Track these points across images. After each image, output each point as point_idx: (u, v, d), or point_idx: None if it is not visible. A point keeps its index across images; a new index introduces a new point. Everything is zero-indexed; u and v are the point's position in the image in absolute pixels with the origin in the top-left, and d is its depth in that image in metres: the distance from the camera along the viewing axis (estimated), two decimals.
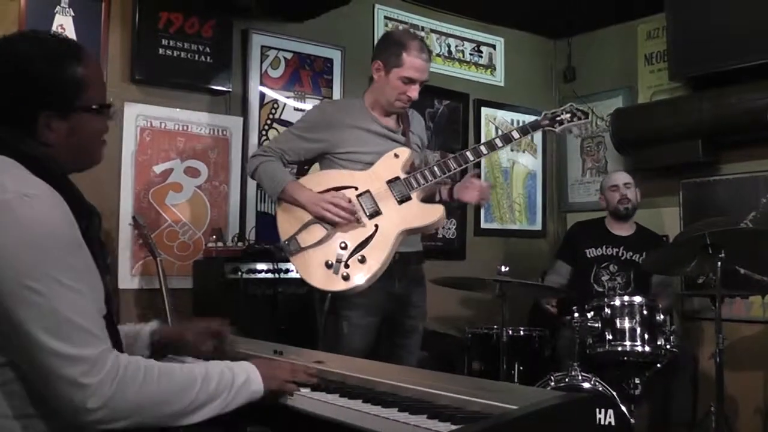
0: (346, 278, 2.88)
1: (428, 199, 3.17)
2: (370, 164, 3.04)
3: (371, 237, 2.95)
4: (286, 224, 3.00)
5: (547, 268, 5.15)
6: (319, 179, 3.06)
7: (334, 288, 2.90)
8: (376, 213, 2.96)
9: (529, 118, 5.38)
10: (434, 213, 3.02)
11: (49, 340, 1.34)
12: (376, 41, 4.52)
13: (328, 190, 2.99)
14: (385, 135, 3.12)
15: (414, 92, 3.07)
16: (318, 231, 2.96)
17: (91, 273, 1.46)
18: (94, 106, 1.58)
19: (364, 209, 2.96)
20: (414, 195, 3.00)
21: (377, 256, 2.92)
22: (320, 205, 2.92)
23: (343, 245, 2.92)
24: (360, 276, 2.89)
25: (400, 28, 4.67)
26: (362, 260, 2.90)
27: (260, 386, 1.59)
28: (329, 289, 2.92)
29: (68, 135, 1.55)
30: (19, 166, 1.47)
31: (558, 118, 3.19)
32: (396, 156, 3.06)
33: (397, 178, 3.01)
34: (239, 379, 1.56)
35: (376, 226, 2.95)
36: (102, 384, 1.34)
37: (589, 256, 4.35)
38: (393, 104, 3.11)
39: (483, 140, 5.12)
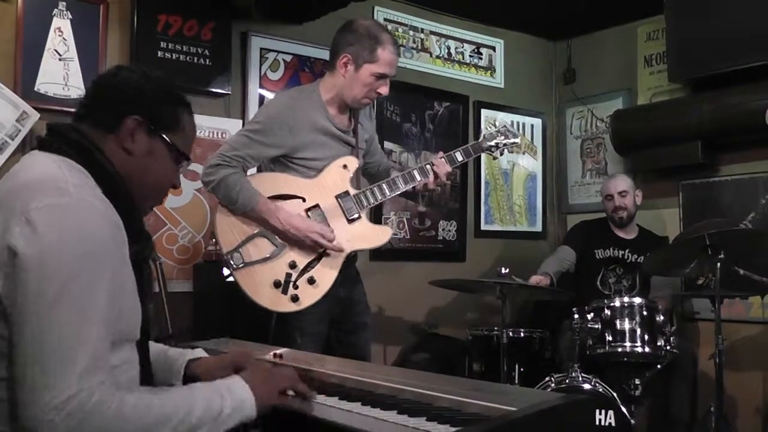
0: (294, 299, 2.83)
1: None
2: (320, 171, 2.95)
3: (320, 257, 2.89)
4: (229, 234, 2.84)
5: None
6: (266, 183, 2.91)
7: (282, 309, 2.83)
8: None
9: (529, 120, 5.43)
10: (382, 235, 3.05)
11: (42, 357, 1.30)
12: None
13: (274, 197, 2.89)
14: (339, 137, 3.00)
15: (385, 89, 2.96)
16: (265, 246, 2.86)
17: (126, 295, 1.45)
18: (177, 147, 1.64)
19: None
20: (363, 214, 2.98)
21: (326, 278, 2.88)
22: (307, 234, 2.82)
23: (291, 264, 2.86)
24: (309, 298, 2.84)
25: (405, 32, 4.62)
26: (311, 281, 2.85)
27: (253, 411, 1.53)
28: (277, 309, 2.83)
29: (146, 155, 1.60)
30: (88, 176, 1.49)
31: (494, 141, 3.27)
32: (345, 167, 2.98)
33: (347, 193, 2.96)
34: (227, 407, 1.49)
35: None
36: (61, 422, 1.27)
37: (598, 257, 4.36)
38: (360, 101, 2.98)
39: None
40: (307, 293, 2.84)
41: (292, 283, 2.83)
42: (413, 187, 3.10)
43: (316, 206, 2.92)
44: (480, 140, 3.30)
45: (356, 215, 2.96)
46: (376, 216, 4.50)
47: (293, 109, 2.92)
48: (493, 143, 3.27)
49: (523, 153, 5.42)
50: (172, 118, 1.63)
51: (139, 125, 1.58)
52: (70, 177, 1.45)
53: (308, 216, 2.90)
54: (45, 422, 1.27)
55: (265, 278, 2.82)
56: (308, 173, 2.94)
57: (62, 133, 1.57)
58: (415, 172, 3.07)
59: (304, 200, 2.92)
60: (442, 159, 3.10)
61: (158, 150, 1.62)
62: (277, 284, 2.81)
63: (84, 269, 1.35)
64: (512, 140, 3.30)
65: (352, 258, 3.04)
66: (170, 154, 1.64)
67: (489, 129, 3.34)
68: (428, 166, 3.07)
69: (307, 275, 2.86)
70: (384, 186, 3.02)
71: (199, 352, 1.91)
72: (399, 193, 3.07)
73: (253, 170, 3.13)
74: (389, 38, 2.94)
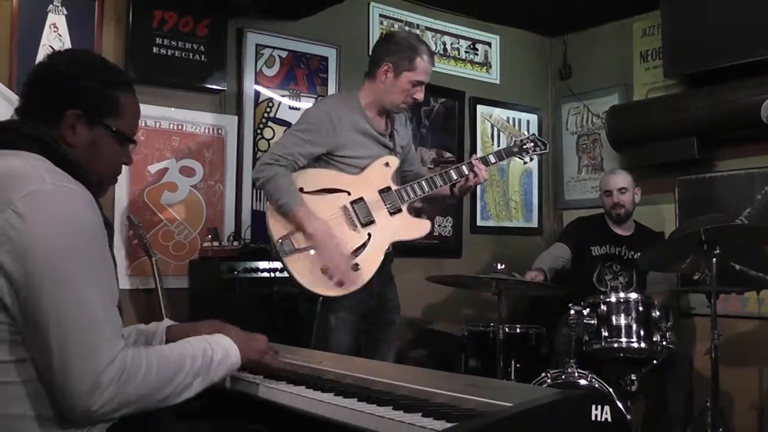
0: (339, 284, 2.97)
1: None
2: (363, 168, 3.13)
3: (364, 246, 3.06)
4: (280, 222, 3.01)
5: None
6: (313, 178, 3.07)
7: (327, 293, 2.98)
8: (370, 222, 3.09)
9: (524, 116, 5.44)
10: (422, 228, 3.21)
11: (74, 332, 1.35)
12: (372, 39, 4.54)
13: (320, 191, 3.06)
14: (377, 139, 3.20)
15: (420, 94, 3.18)
16: None
17: (112, 273, 1.50)
18: (120, 131, 1.64)
19: (359, 217, 3.06)
20: (404, 207, 3.15)
21: (369, 266, 3.05)
22: (327, 250, 2.94)
23: None
24: (352, 284, 2.99)
25: (401, 28, 4.70)
26: (356, 268, 3.00)
27: (238, 359, 1.70)
28: (323, 293, 2.98)
29: (89, 145, 1.60)
30: (52, 165, 1.50)
31: (525, 147, 3.44)
32: (387, 165, 3.18)
33: (389, 188, 3.14)
34: (218, 355, 1.64)
35: (369, 235, 3.08)
36: (110, 383, 1.36)
37: (594, 254, 4.35)
38: (398, 106, 3.19)
39: (479, 138, 5.17)
40: (351, 279, 2.99)
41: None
42: (451, 187, 3.27)
43: (361, 199, 3.09)
44: (512, 145, 3.48)
45: (397, 209, 3.13)
46: None
47: (336, 111, 3.11)
48: (524, 148, 3.45)
49: None
50: (112, 103, 1.62)
51: (78, 118, 1.58)
52: (38, 166, 1.46)
53: (353, 209, 3.06)
54: (92, 390, 1.34)
55: (312, 263, 2.97)
56: (349, 170, 3.12)
57: (15, 128, 1.56)
58: (452, 172, 3.23)
59: (349, 194, 3.09)
60: (477, 160, 3.26)
61: (102, 137, 1.62)
62: (323, 269, 2.96)
63: (80, 247, 1.40)
64: (543, 150, 3.50)
65: (389, 255, 3.20)
66: (115, 139, 1.65)
67: (520, 135, 3.54)
68: (464, 167, 3.24)
69: (351, 262, 3.01)
70: (423, 183, 3.19)
71: (169, 321, 1.97)
72: (437, 190, 3.23)
73: None
74: (426, 49, 3.17)
